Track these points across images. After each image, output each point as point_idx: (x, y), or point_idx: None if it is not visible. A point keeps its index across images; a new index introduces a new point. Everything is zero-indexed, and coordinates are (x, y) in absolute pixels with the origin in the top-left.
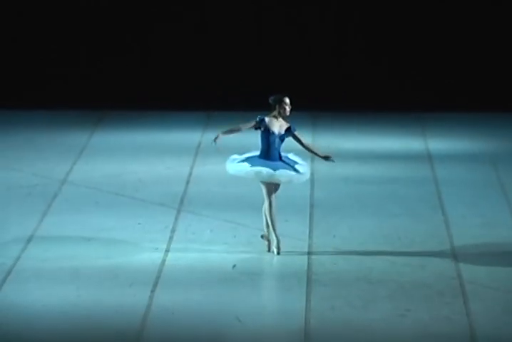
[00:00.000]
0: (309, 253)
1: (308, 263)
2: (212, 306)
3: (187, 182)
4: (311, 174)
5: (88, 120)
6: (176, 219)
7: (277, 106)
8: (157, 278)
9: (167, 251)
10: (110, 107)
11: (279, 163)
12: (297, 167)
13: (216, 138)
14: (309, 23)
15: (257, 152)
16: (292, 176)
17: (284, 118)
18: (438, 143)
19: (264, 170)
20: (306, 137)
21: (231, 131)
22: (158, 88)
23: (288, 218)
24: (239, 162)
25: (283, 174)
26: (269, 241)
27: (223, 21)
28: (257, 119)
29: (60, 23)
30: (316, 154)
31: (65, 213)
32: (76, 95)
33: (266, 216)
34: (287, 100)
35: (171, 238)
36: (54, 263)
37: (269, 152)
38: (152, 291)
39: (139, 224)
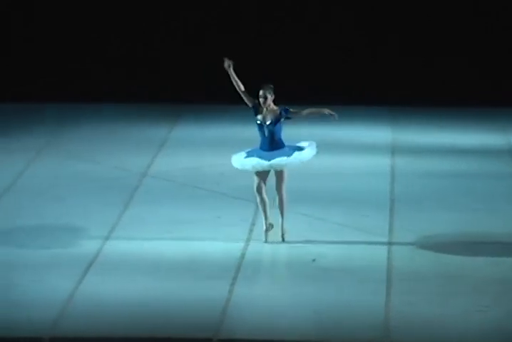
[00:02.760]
0: (388, 248)
1: (387, 258)
2: (291, 299)
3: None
4: (392, 168)
5: (169, 113)
6: (255, 212)
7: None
8: (237, 271)
9: (246, 244)
10: (191, 101)
11: (276, 152)
12: (295, 153)
13: (228, 63)
14: (387, 22)
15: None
16: (284, 161)
17: (271, 107)
18: None
19: (259, 164)
20: (385, 133)
21: (237, 81)
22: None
23: (368, 213)
24: (243, 156)
25: (276, 162)
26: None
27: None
28: (253, 103)
29: (140, 18)
30: (320, 113)
31: (145, 206)
32: (157, 89)
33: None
34: (260, 92)
35: (251, 231)
36: (134, 255)
37: (265, 142)
38: (232, 284)
39: (218, 217)
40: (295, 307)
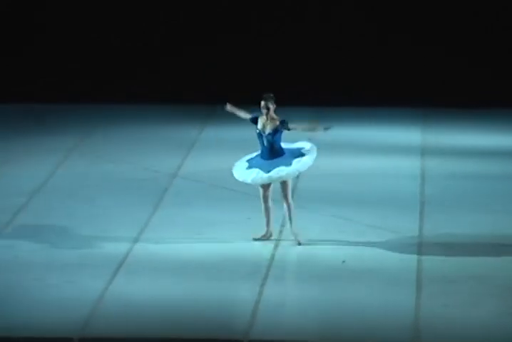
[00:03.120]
0: (418, 249)
1: (418, 259)
2: (321, 301)
3: (297, 177)
4: (422, 170)
5: (199, 114)
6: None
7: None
8: (267, 272)
9: (276, 245)
10: (222, 102)
11: (275, 161)
12: (295, 161)
13: (227, 106)
14: (419, 22)
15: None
16: (283, 172)
17: (273, 117)
18: None
19: (259, 176)
20: (415, 133)
21: (237, 110)
22: (269, 83)
23: (398, 214)
24: (242, 166)
25: (274, 174)
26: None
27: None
28: (252, 116)
29: (170, 20)
30: (315, 129)
31: (175, 206)
32: (188, 90)
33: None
34: (262, 103)
35: (280, 232)
36: (164, 256)
37: (265, 151)
38: (262, 285)
39: (248, 218)
40: (325, 308)
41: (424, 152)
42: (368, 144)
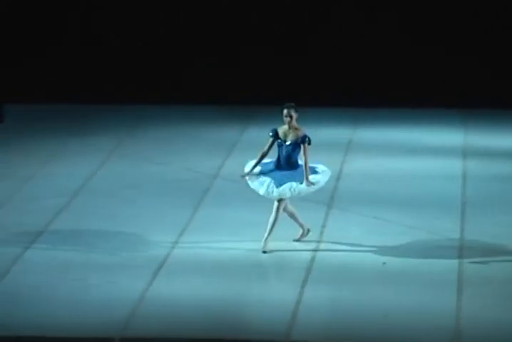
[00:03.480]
0: (459, 251)
1: (459, 261)
2: (361, 303)
3: (338, 179)
4: (463, 171)
5: (241, 115)
6: (326, 215)
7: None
8: (307, 274)
9: (316, 247)
10: (262, 103)
11: (289, 174)
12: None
13: (245, 175)
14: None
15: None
16: (294, 189)
17: (296, 127)
18: None
19: (270, 190)
20: (457, 135)
21: (258, 162)
22: (308, 85)
23: (439, 216)
24: (257, 176)
25: (285, 190)
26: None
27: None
28: (270, 133)
29: (216, 23)
30: (305, 172)
31: (215, 207)
32: (230, 91)
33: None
34: (285, 112)
35: (321, 234)
36: (204, 256)
37: (282, 161)
38: (302, 287)
39: (287, 219)
40: (365, 309)
41: (466, 153)
42: (410, 146)
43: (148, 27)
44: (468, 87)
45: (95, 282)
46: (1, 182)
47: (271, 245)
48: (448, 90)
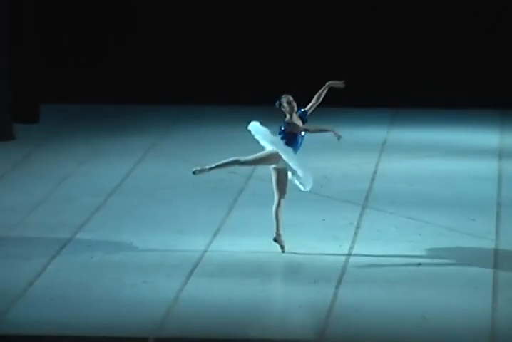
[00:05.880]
0: (495, 252)
1: (494, 262)
2: (396, 304)
3: (372, 179)
4: (499, 172)
5: (276, 116)
6: (361, 215)
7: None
8: (341, 275)
9: (351, 247)
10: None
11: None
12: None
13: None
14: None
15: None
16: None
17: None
18: None
19: (281, 144)
20: (493, 135)
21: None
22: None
23: (474, 217)
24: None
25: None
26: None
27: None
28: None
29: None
30: (324, 130)
31: (250, 208)
32: (270, 93)
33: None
34: (291, 98)
35: (355, 234)
36: (239, 257)
37: (296, 151)
38: (337, 288)
39: (323, 220)
40: (401, 311)
41: (502, 153)
42: (446, 147)
43: (186, 28)
44: (505, 87)
45: (131, 282)
46: (37, 182)
47: (306, 246)
48: (485, 91)
